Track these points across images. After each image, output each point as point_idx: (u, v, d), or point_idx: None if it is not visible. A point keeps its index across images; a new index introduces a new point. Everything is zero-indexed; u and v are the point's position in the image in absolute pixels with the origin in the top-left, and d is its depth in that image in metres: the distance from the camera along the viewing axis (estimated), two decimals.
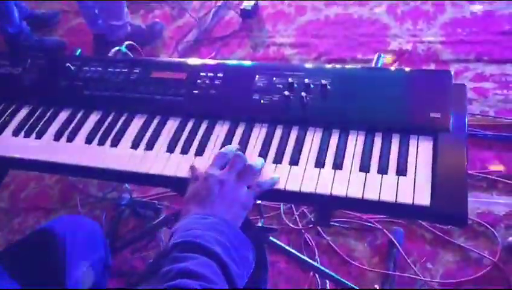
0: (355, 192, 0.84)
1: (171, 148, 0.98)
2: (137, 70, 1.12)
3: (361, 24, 2.64)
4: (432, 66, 2.26)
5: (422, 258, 1.59)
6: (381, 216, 1.70)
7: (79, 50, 1.39)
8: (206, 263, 0.67)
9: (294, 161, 0.91)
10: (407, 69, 1.06)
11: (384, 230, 1.66)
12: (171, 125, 1.03)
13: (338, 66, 1.12)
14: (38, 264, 1.02)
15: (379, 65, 1.17)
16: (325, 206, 0.88)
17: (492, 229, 1.62)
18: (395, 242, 1.60)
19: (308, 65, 1.24)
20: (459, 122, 0.90)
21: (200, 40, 2.78)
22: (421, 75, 1.00)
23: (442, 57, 2.33)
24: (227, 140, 0.97)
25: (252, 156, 0.91)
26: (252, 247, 0.79)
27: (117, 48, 1.27)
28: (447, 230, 1.64)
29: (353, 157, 0.90)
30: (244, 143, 0.96)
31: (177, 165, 0.94)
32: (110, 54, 1.28)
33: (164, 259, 0.69)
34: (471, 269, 1.55)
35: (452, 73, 0.97)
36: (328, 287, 1.54)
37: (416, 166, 0.86)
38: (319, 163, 0.90)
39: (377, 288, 1.49)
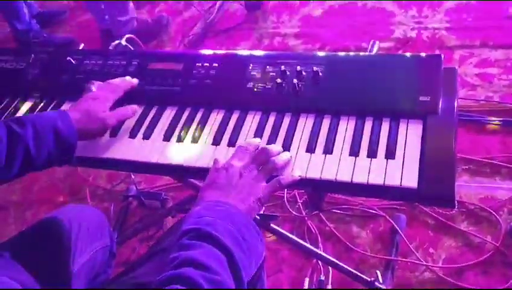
0: (344, 176, 0.86)
1: (167, 137, 1.01)
2: (136, 62, 1.15)
3: (365, 12, 2.64)
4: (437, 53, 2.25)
5: (424, 243, 1.61)
6: (384, 203, 1.71)
7: (81, 44, 1.42)
8: (213, 252, 0.68)
9: (286, 147, 0.93)
10: (397, 54, 1.07)
11: (387, 217, 1.68)
12: (168, 114, 1.06)
13: (330, 53, 1.13)
14: (45, 251, 1.05)
15: (374, 52, 1.18)
16: (315, 190, 0.90)
17: (495, 214, 1.63)
18: (397, 228, 1.61)
19: (300, 53, 1.25)
20: (449, 106, 0.91)
21: (206, 33, 2.81)
22: (411, 60, 1.01)
23: (447, 44, 2.32)
24: (222, 127, 1.00)
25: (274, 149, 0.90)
26: (263, 238, 0.80)
27: (117, 41, 1.30)
28: (450, 216, 1.65)
29: (343, 142, 0.91)
30: (237, 130, 0.98)
31: (174, 153, 0.97)
32: (110, 47, 1.31)
33: (173, 241, 0.72)
34: (474, 254, 1.56)
35: (442, 57, 0.97)
36: (331, 274, 1.56)
37: (405, 149, 0.87)
38: (310, 148, 0.92)
39: (379, 274, 1.51)
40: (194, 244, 0.69)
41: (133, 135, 1.03)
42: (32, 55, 1.25)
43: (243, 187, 0.82)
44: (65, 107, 1.13)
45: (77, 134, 0.93)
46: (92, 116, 0.96)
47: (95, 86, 1.04)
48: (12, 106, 1.17)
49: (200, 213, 0.75)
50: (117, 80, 1.07)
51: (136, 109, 1.04)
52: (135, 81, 1.09)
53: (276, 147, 0.90)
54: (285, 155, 0.89)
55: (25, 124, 0.88)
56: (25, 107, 1.16)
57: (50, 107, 1.14)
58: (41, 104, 1.16)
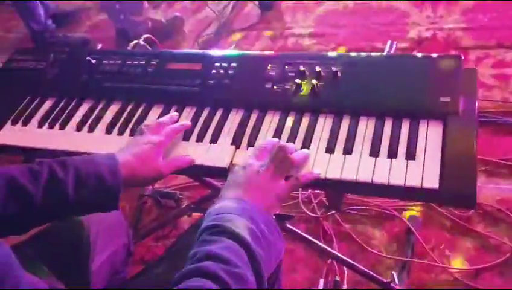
0: (364, 176, 0.86)
1: (186, 136, 1.02)
2: (154, 62, 1.16)
3: (380, 12, 2.63)
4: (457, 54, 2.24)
5: (440, 245, 1.60)
6: (400, 203, 1.70)
7: (99, 45, 1.43)
8: (233, 247, 0.68)
9: (305, 147, 0.93)
10: (417, 54, 1.07)
11: (402, 217, 1.67)
12: (187, 114, 1.07)
13: (348, 53, 1.13)
14: (65, 250, 1.07)
15: (391, 52, 1.17)
16: (335, 191, 0.90)
17: None
18: (413, 229, 1.60)
19: (319, 53, 1.25)
20: (469, 106, 0.91)
21: (220, 33, 2.82)
22: (431, 61, 1.01)
23: (463, 44, 2.30)
24: (241, 128, 1.00)
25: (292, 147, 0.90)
26: (281, 236, 0.81)
27: (135, 41, 1.31)
28: (466, 217, 1.64)
29: (363, 143, 0.91)
30: (256, 130, 0.99)
31: (193, 153, 0.98)
32: (128, 47, 1.32)
33: (191, 240, 0.72)
34: (490, 256, 1.54)
35: (462, 57, 0.97)
36: (346, 275, 1.56)
37: (425, 150, 0.87)
38: (330, 148, 0.92)
39: (395, 275, 1.50)
40: (214, 240, 0.69)
41: None
42: (52, 55, 1.27)
43: (261, 185, 0.82)
44: (84, 106, 1.15)
45: (122, 183, 0.85)
46: (147, 164, 0.90)
47: (147, 128, 0.97)
48: (33, 106, 1.18)
49: (219, 210, 0.76)
50: (169, 122, 1.00)
51: (193, 161, 0.96)
52: (188, 123, 1.02)
53: (292, 144, 0.90)
54: (303, 152, 0.89)
55: (67, 168, 0.84)
56: (46, 106, 1.17)
57: (70, 107, 1.15)
58: (61, 103, 1.17)
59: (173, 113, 1.04)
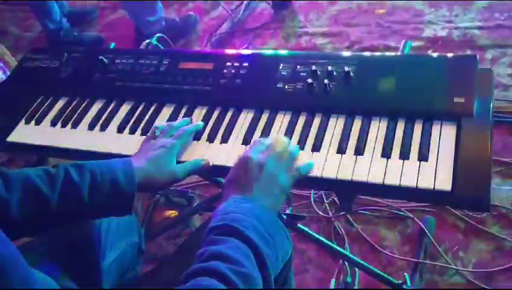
0: (376, 178, 0.85)
1: (197, 136, 1.02)
2: (166, 62, 1.16)
3: (394, 11, 2.60)
4: (468, 53, 2.21)
5: (454, 247, 1.58)
6: (412, 204, 1.69)
7: (113, 44, 1.43)
8: (240, 247, 0.68)
9: (316, 147, 0.92)
10: (431, 54, 1.06)
11: (415, 218, 1.65)
12: (198, 114, 1.07)
13: (361, 53, 1.12)
14: (77, 247, 1.07)
15: (406, 52, 1.16)
16: (346, 192, 0.89)
17: None
18: (426, 231, 1.58)
19: (331, 53, 1.24)
20: (484, 107, 0.89)
21: (233, 32, 2.82)
22: (445, 61, 0.99)
23: (479, 43, 2.27)
24: (252, 127, 1.00)
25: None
26: (289, 236, 0.81)
27: (148, 40, 1.31)
28: (481, 219, 1.61)
29: (375, 143, 0.90)
30: (268, 130, 0.98)
31: (203, 153, 0.98)
32: (141, 47, 1.33)
33: (201, 239, 0.71)
34: (505, 259, 1.52)
35: (478, 58, 0.95)
36: (358, 275, 1.55)
37: (438, 151, 0.86)
38: (341, 149, 0.91)
39: (408, 276, 1.49)
40: (222, 240, 0.70)
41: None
42: (65, 54, 1.28)
43: (265, 180, 0.81)
44: (97, 105, 1.15)
45: (136, 188, 0.86)
46: (162, 169, 0.90)
47: (159, 130, 0.98)
48: (46, 105, 1.19)
49: (226, 210, 0.75)
50: (182, 124, 1.01)
51: (208, 164, 0.95)
52: (200, 124, 1.02)
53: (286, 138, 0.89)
54: (295, 146, 0.89)
55: (83, 172, 0.85)
56: (58, 105, 1.18)
57: (82, 106, 1.16)
58: (74, 102, 1.18)
59: (185, 119, 1.04)
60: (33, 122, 1.16)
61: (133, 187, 0.85)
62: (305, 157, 0.90)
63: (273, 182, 0.81)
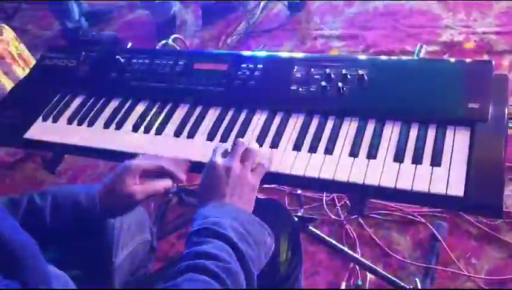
0: (388, 182, 0.85)
1: (211, 137, 1.02)
2: (182, 62, 1.17)
3: (411, 15, 2.59)
4: (485, 58, 2.19)
5: (466, 253, 1.56)
6: (425, 209, 1.67)
7: (129, 44, 1.45)
8: (221, 246, 0.73)
9: (329, 150, 0.93)
10: (446, 59, 1.05)
11: (427, 224, 1.64)
12: (212, 114, 1.08)
13: (375, 56, 1.12)
14: (89, 244, 1.09)
15: (420, 56, 1.15)
16: (358, 195, 0.89)
17: None
18: (438, 236, 1.57)
19: (346, 56, 1.24)
20: (499, 114, 0.89)
21: (249, 33, 2.82)
22: (460, 66, 0.99)
23: (496, 48, 2.24)
24: (265, 129, 1.00)
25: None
26: (270, 232, 0.82)
27: (164, 41, 1.33)
28: (494, 226, 1.60)
29: (388, 147, 0.90)
30: (280, 132, 0.99)
31: None
32: (157, 47, 1.34)
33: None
34: None
35: (493, 63, 0.95)
36: (368, 279, 1.54)
37: (451, 157, 0.86)
38: (353, 152, 0.91)
39: (419, 282, 1.48)
40: (204, 241, 0.74)
41: (177, 133, 1.06)
42: (83, 53, 1.30)
43: (234, 181, 0.84)
44: (113, 104, 1.17)
45: (98, 209, 0.89)
46: (116, 192, 0.91)
47: (139, 157, 0.99)
48: (63, 103, 1.21)
49: (204, 215, 0.79)
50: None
51: (170, 185, 0.95)
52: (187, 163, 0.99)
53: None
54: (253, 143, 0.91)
55: (45, 196, 0.89)
56: (75, 103, 1.20)
57: (99, 104, 1.18)
58: (91, 100, 1.20)
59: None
60: (50, 119, 1.18)
61: (95, 209, 0.89)
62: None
63: (242, 183, 0.85)
